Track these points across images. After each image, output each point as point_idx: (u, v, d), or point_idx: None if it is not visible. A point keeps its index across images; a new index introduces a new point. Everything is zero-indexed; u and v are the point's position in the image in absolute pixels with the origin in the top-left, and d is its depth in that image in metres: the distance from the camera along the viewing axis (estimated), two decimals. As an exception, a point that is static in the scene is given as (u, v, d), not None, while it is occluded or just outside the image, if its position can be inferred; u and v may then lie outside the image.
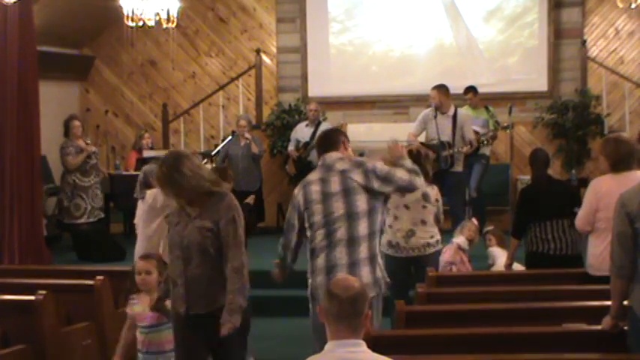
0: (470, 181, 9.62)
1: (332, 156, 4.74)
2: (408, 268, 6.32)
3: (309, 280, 4.74)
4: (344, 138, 4.85)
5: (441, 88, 8.91)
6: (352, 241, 4.61)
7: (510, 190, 10.36)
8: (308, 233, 4.73)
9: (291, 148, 10.55)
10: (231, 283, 4.31)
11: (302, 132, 10.51)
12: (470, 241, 7.22)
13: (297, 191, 4.80)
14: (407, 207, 6.32)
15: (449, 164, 8.82)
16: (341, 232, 4.61)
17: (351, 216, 4.61)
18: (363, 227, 4.63)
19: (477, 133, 9.54)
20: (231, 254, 4.34)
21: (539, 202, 6.30)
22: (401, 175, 4.67)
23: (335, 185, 4.65)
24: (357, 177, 4.63)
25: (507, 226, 9.87)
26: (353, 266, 4.57)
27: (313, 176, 4.78)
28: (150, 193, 6.94)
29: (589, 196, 5.46)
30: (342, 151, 4.77)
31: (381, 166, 4.70)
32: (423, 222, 6.34)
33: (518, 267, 7.44)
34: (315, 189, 4.69)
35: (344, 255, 4.60)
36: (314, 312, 4.69)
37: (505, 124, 9.61)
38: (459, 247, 7.09)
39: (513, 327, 4.55)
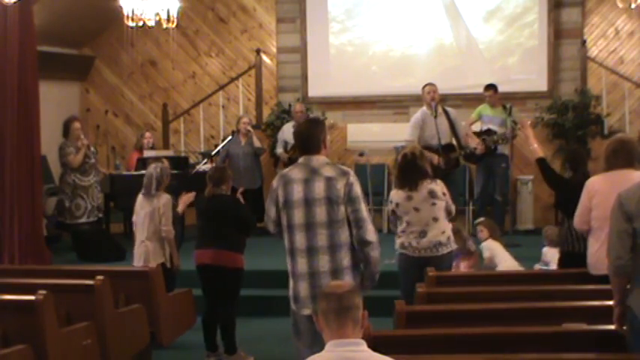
0: (495, 185, 9.73)
1: (319, 159, 4.66)
2: (419, 269, 6.12)
3: (291, 282, 4.71)
4: (324, 136, 4.75)
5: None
6: (334, 248, 4.58)
7: (510, 189, 10.34)
8: (285, 233, 4.69)
9: (280, 150, 10.58)
10: None
11: (289, 133, 10.50)
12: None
13: (276, 185, 4.75)
14: (417, 209, 6.27)
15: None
16: (322, 239, 4.57)
17: (332, 224, 4.57)
18: (345, 235, 4.59)
19: (494, 132, 9.59)
20: None
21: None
22: (362, 208, 4.59)
23: (319, 190, 4.58)
24: (340, 186, 4.58)
25: (508, 225, 9.93)
26: (336, 273, 4.53)
27: (295, 174, 4.68)
28: (161, 197, 6.96)
29: (582, 195, 5.50)
30: (323, 152, 4.71)
31: (358, 187, 4.62)
32: (435, 219, 6.27)
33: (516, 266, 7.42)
34: (298, 189, 4.62)
35: (326, 262, 4.57)
36: (296, 313, 4.70)
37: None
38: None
39: (513, 327, 4.55)
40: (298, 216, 4.62)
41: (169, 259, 6.98)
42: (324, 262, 4.57)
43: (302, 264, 4.61)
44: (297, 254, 4.63)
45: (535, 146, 6.60)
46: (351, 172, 4.68)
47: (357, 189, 4.61)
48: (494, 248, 7.54)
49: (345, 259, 4.60)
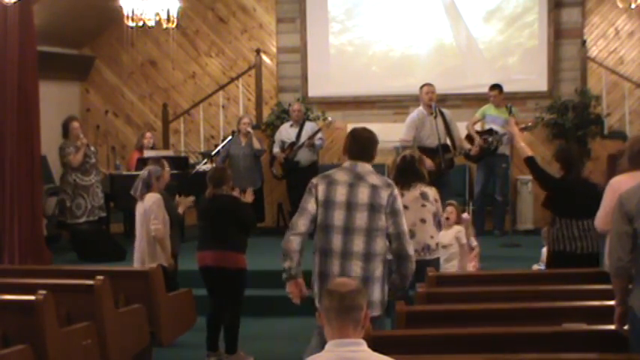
0: (495, 185, 9.77)
1: (364, 167, 4.75)
2: None
3: (317, 282, 4.70)
4: (376, 149, 4.86)
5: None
6: (368, 256, 4.62)
7: (510, 190, 10.34)
8: (319, 232, 4.69)
9: (276, 149, 10.58)
10: None
11: (287, 132, 10.54)
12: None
13: (317, 182, 4.73)
14: (406, 207, 6.29)
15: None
16: (358, 245, 4.61)
17: (370, 231, 4.62)
18: (380, 246, 4.65)
19: (495, 132, 9.59)
20: None
21: (575, 197, 6.20)
22: (404, 222, 4.69)
23: (363, 196, 4.64)
24: (384, 196, 4.64)
25: (508, 225, 9.92)
26: (366, 281, 4.55)
27: (340, 176, 4.72)
28: (149, 197, 6.95)
29: (608, 195, 5.40)
30: (370, 163, 4.83)
31: (400, 200, 4.74)
32: (422, 220, 6.33)
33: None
34: (342, 191, 4.65)
35: (359, 269, 4.60)
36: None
37: (527, 124, 9.61)
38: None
39: (513, 327, 4.55)
40: (338, 218, 4.64)
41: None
42: (357, 268, 4.60)
43: (335, 266, 4.62)
44: (331, 256, 4.64)
45: (522, 144, 6.64)
46: (394, 185, 4.78)
47: (400, 202, 4.73)
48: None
49: (378, 270, 4.65)
